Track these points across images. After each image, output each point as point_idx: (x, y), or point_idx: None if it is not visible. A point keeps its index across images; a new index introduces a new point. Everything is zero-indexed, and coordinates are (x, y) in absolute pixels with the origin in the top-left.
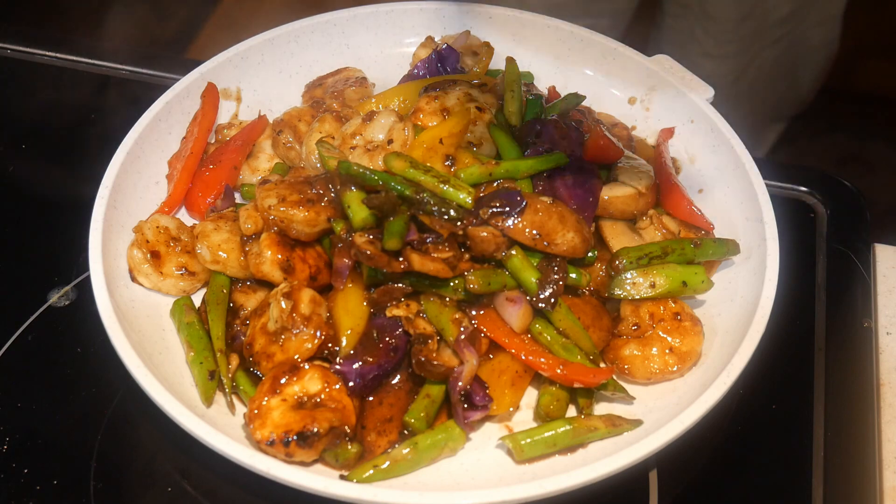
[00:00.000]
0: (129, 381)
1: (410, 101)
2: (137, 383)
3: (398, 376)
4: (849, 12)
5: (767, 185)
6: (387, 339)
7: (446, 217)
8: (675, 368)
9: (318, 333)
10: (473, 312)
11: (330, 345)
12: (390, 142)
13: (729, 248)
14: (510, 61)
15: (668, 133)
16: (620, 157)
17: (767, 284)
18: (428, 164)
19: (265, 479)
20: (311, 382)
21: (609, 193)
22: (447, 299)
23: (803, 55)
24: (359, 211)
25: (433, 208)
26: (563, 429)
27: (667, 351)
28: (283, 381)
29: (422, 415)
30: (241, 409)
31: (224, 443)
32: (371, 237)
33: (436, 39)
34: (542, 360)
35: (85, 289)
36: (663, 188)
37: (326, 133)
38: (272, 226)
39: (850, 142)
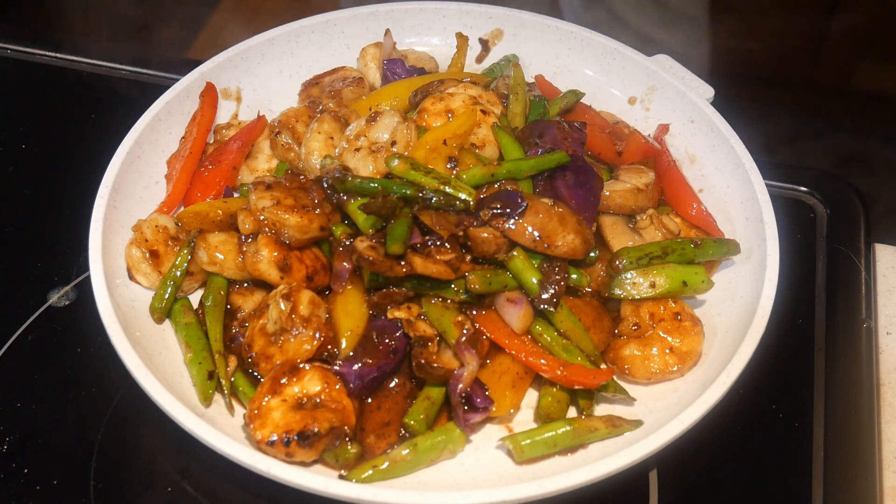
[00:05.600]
0: (129, 381)
1: (402, 100)
2: (137, 383)
3: (396, 380)
4: (848, 11)
5: (767, 185)
6: (386, 340)
7: (452, 209)
8: (675, 368)
9: (318, 335)
10: (474, 313)
11: (329, 346)
12: (394, 143)
13: (729, 248)
14: (516, 66)
15: (664, 129)
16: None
17: (767, 284)
18: (429, 166)
19: (265, 479)
20: (311, 383)
21: (609, 189)
22: (449, 301)
23: None
24: (361, 217)
25: (440, 203)
26: (563, 429)
27: (667, 351)
28: (283, 381)
29: (421, 416)
30: (240, 410)
31: (224, 443)
32: (373, 242)
33: (398, 46)
34: (543, 361)
35: (85, 289)
36: (673, 191)
37: (325, 133)
38: (264, 227)
39: (850, 142)
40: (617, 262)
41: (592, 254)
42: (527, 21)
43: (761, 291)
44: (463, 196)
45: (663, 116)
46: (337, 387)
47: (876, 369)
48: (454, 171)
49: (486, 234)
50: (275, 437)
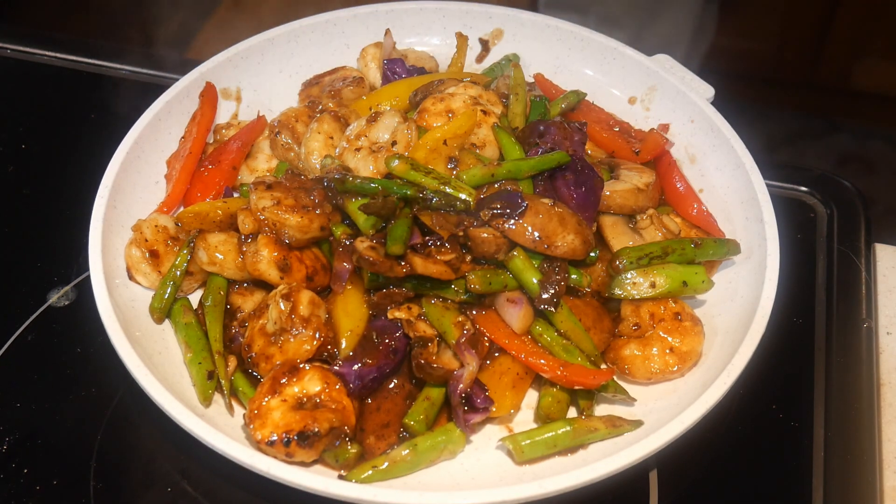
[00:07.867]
0: (129, 381)
1: (402, 100)
2: (137, 383)
3: (396, 380)
4: (849, 11)
5: (767, 185)
6: (386, 341)
7: (452, 209)
8: (675, 368)
9: (317, 335)
10: (474, 313)
11: (329, 346)
12: (394, 143)
13: (729, 248)
14: (516, 66)
15: (664, 129)
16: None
17: (767, 284)
18: (429, 167)
19: (265, 479)
20: (311, 383)
21: (609, 189)
22: (449, 301)
23: None
24: (361, 217)
25: (440, 203)
26: (563, 430)
27: (667, 351)
28: (283, 381)
29: (421, 417)
30: (240, 410)
31: (224, 443)
32: (373, 242)
33: (397, 46)
34: (543, 361)
35: (85, 289)
36: (673, 191)
37: (325, 133)
38: (264, 227)
39: (850, 142)
40: (617, 262)
41: (592, 254)
42: (527, 21)
43: (761, 291)
44: (463, 196)
45: (663, 116)
46: (337, 387)
47: (876, 369)
48: (454, 172)
49: (486, 235)
50: (275, 437)
